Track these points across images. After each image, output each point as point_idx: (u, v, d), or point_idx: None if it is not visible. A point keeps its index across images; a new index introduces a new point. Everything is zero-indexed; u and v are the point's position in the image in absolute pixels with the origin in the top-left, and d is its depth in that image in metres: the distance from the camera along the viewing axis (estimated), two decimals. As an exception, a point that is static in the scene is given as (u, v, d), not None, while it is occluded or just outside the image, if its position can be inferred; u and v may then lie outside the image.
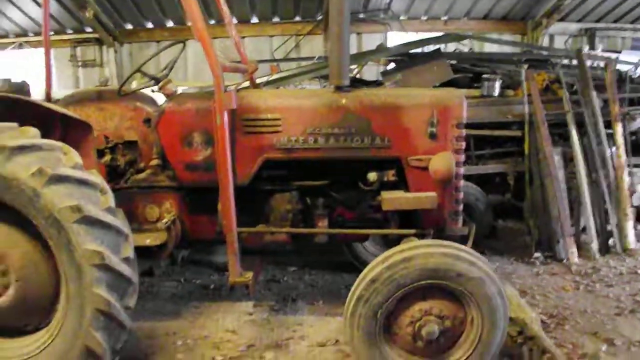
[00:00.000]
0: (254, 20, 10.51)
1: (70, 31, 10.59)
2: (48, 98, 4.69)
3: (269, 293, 4.91)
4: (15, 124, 3.16)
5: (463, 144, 3.83)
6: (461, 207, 3.92)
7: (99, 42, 10.21)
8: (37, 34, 10.85)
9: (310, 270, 5.44)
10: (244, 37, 9.42)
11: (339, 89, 3.76)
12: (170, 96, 4.06)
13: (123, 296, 3.16)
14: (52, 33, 11.17)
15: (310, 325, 4.26)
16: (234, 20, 9.60)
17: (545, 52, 8.49)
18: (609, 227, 6.06)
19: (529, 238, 6.24)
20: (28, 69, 11.11)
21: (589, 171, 6.09)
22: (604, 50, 10.10)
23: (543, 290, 5.01)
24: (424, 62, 6.75)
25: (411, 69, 6.66)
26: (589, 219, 5.97)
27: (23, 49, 11.11)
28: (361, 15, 9.93)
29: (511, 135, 6.40)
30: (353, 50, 9.30)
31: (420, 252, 3.18)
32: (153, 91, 4.17)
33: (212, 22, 9.64)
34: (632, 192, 6.18)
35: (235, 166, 3.67)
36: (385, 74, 7.12)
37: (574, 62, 7.57)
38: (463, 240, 3.83)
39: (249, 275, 3.66)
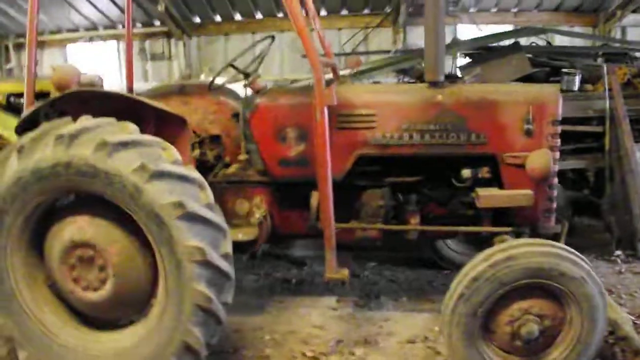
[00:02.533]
0: (323, 13, 10.51)
1: (140, 25, 10.85)
2: (130, 92, 4.78)
3: (351, 288, 4.92)
4: (113, 119, 3.24)
5: (558, 141, 3.77)
6: (555, 205, 3.86)
7: (168, 35, 10.42)
8: (106, 27, 11.17)
9: (390, 266, 5.43)
10: (311, 30, 9.42)
11: (433, 84, 3.74)
12: (259, 91, 4.10)
13: (221, 292, 3.17)
14: (121, 27, 11.54)
15: (396, 322, 4.27)
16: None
17: (623, 45, 8.19)
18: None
19: (608, 235, 6.07)
20: (98, 62, 11.47)
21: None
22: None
23: (628, 290, 4.88)
24: (503, 55, 6.63)
25: (489, 62, 6.56)
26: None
27: (93, 43, 11.46)
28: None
29: (591, 130, 6.23)
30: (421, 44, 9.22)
31: (524, 250, 3.15)
32: (245, 86, 4.22)
33: (280, 15, 9.70)
34: None
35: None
36: (463, 68, 7.03)
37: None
38: (555, 238, 3.77)
39: (346, 272, 3.64)
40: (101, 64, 11.02)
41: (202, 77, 9.01)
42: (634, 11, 10.19)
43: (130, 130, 3.19)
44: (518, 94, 3.76)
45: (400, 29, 9.88)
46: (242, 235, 3.91)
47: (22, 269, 3.37)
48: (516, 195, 3.65)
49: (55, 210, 3.39)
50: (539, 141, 3.69)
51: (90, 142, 3.04)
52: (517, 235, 3.77)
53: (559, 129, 3.75)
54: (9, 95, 7.68)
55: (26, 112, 3.59)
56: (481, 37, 7.25)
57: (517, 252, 3.15)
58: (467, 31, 9.81)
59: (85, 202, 3.36)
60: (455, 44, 7.45)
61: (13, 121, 7.54)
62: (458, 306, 3.18)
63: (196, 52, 10.53)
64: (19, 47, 12.29)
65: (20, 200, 3.18)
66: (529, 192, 3.63)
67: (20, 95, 7.64)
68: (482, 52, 7.03)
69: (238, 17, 10.59)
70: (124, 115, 3.30)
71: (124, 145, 3.05)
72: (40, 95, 7.66)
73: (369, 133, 3.71)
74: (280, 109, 3.83)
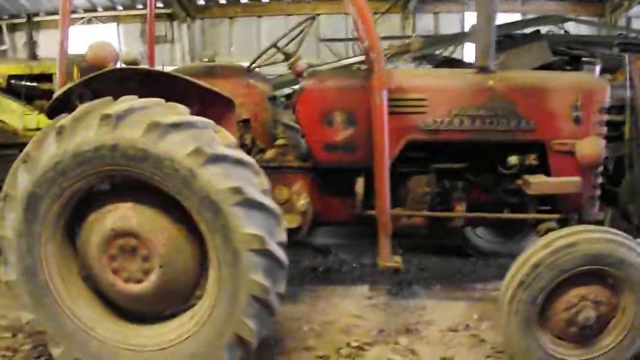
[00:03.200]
0: (331, -3, 10.34)
1: (141, 6, 10.62)
2: None
3: (382, 277, 4.85)
4: (161, 100, 3.04)
5: (605, 129, 3.77)
6: (599, 192, 3.86)
7: (171, 17, 10.21)
8: (106, 9, 10.91)
9: (417, 253, 5.38)
10: (318, 15, 9.29)
11: (483, 70, 3.70)
12: (300, 74, 4.01)
13: (276, 282, 3.04)
14: (121, 8, 11.30)
15: (434, 310, 4.24)
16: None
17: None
18: None
19: (626, 223, 6.11)
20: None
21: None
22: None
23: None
24: (523, 43, 6.61)
25: (510, 50, 6.53)
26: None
27: (92, 24, 11.21)
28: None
29: (611, 119, 6.23)
30: (430, 30, 9.18)
31: (584, 237, 3.14)
32: (289, 68, 4.12)
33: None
34: None
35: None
36: None
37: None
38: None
39: (399, 259, 3.60)
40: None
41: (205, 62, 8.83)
42: (640, 2, 10.23)
43: (180, 112, 3.01)
44: (568, 81, 3.74)
45: (410, 15, 9.81)
46: (287, 223, 3.79)
47: (56, 259, 3.19)
48: (566, 182, 3.63)
49: (92, 197, 3.22)
50: (587, 129, 3.68)
51: (139, 123, 2.87)
52: (562, 222, 3.76)
53: (606, 117, 3.74)
54: (9, 77, 7.47)
55: (59, 91, 3.42)
56: (504, 24, 7.22)
57: (578, 238, 3.13)
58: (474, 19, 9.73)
59: (125, 187, 3.20)
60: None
61: (14, 105, 7.36)
62: (518, 294, 3.15)
63: (200, 35, 10.34)
64: (12, 28, 11.98)
65: (57, 186, 2.99)
66: (577, 179, 3.62)
67: (21, 77, 7.48)
68: (503, 40, 7.00)
69: (244, -1, 10.39)
70: (165, 96, 3.10)
71: (176, 127, 2.87)
72: (42, 77, 7.50)
73: (420, 118, 3.65)
74: (328, 92, 3.74)
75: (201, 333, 3.08)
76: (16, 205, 3.03)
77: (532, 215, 3.83)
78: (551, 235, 3.22)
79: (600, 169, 3.79)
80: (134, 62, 3.39)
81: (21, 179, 3.02)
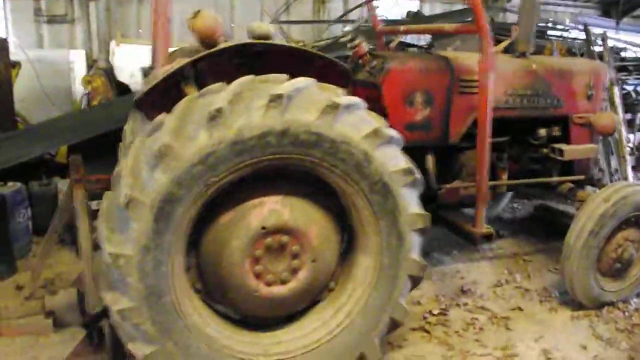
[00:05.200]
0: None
1: (33, -21, 9.55)
2: None
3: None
4: (312, 79, 2.73)
5: (605, 105, 4.63)
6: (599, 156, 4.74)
7: (70, -7, 9.34)
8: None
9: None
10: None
11: (523, 55, 4.31)
12: (362, 56, 4.04)
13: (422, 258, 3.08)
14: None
15: (468, 272, 4.75)
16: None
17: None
18: None
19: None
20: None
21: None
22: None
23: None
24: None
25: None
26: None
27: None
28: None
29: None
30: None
31: (631, 190, 3.92)
32: (351, 46, 4.09)
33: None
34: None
35: (449, 125, 4.01)
36: (436, 39, 7.53)
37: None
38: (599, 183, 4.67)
39: (492, 228, 3.95)
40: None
41: (112, 45, 8.34)
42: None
43: (339, 92, 2.78)
44: (584, 66, 4.52)
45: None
46: None
47: (182, 275, 2.72)
48: (589, 149, 4.42)
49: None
50: (595, 104, 4.49)
51: (310, 105, 2.60)
52: (577, 183, 4.54)
53: (606, 94, 4.62)
54: None
55: (164, 71, 2.88)
56: (455, 11, 8.03)
57: (627, 191, 3.90)
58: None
59: (257, 179, 2.76)
60: (446, 16, 8.15)
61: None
62: (589, 240, 3.84)
63: (104, 14, 9.64)
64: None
65: (203, 183, 2.51)
66: (595, 146, 4.44)
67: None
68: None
69: (151, -24, 9.72)
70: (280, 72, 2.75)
71: (349, 108, 2.68)
72: None
73: None
74: (411, 73, 3.90)
75: (354, 324, 2.96)
76: (145, 213, 2.46)
77: (569, 178, 4.49)
78: (604, 192, 3.94)
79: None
80: (267, 36, 2.92)
81: (155, 178, 2.45)
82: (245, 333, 2.95)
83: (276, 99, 2.52)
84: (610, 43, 7.69)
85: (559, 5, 12.10)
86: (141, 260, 2.50)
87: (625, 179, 7.01)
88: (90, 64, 8.29)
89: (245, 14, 9.56)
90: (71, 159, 3.67)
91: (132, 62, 7.38)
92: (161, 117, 2.56)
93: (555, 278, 4.54)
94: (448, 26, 4.35)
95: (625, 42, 9.00)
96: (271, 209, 2.79)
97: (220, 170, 2.53)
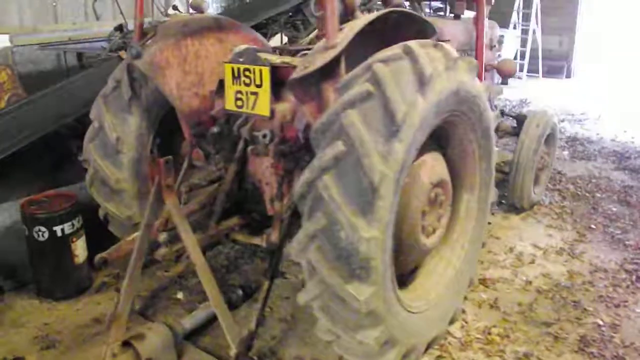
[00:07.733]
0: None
1: None
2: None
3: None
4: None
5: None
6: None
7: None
8: None
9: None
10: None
11: (458, 17, 5.29)
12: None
13: None
14: None
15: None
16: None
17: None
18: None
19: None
20: None
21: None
22: None
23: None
24: None
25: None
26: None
27: None
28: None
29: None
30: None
31: (547, 116, 5.21)
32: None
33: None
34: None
35: None
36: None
37: None
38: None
39: None
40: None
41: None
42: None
43: (452, 50, 2.94)
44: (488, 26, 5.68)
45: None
46: None
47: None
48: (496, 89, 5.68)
49: None
50: (493, 54, 5.76)
51: (459, 66, 2.89)
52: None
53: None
54: None
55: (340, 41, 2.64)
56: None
57: (546, 117, 5.23)
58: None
59: None
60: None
61: None
62: (533, 157, 5.10)
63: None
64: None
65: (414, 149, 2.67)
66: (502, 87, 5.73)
67: None
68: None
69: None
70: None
71: (475, 67, 3.10)
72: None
73: None
74: None
75: (468, 253, 3.41)
76: (390, 188, 2.41)
77: None
78: (534, 120, 5.13)
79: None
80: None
81: (395, 150, 2.41)
82: (403, 293, 2.98)
83: (454, 61, 2.81)
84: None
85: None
86: (384, 240, 2.46)
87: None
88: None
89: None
90: (159, 160, 2.87)
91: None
92: (368, 85, 2.48)
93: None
94: None
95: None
96: (431, 165, 3.07)
97: (424, 133, 2.68)
